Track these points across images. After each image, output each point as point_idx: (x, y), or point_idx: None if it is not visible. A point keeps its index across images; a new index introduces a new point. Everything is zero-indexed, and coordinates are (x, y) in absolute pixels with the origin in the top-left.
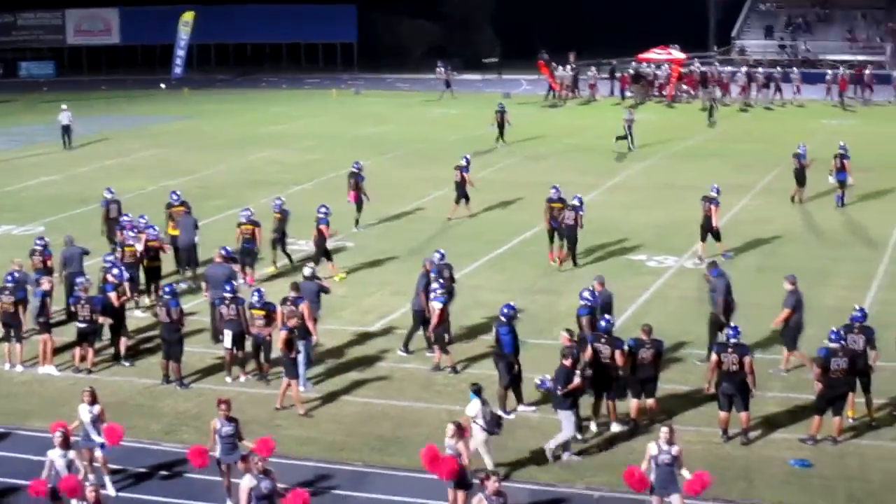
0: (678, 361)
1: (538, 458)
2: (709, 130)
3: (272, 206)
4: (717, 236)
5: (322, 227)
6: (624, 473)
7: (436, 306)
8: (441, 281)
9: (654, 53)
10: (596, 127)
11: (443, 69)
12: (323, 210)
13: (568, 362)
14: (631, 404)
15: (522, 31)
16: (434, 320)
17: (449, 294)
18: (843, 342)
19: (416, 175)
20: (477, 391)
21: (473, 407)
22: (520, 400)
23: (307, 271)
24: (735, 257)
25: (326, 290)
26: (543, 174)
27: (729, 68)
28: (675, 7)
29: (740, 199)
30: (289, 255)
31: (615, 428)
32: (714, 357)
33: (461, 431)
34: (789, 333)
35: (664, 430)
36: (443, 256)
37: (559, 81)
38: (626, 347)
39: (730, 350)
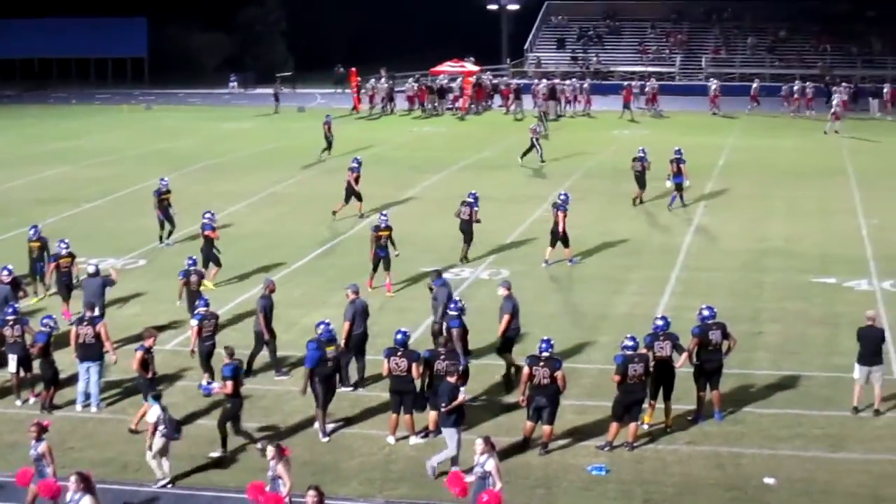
0: (474, 371)
1: (336, 472)
2: (499, 142)
3: (29, 234)
4: (565, 242)
5: (208, 232)
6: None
7: (193, 324)
8: (205, 299)
9: (448, 66)
10: (392, 139)
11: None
12: (208, 216)
13: (453, 379)
14: (430, 416)
15: (316, 45)
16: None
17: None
18: (635, 350)
19: (212, 190)
20: (156, 397)
21: (153, 413)
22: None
23: (91, 268)
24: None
25: (111, 283)
26: (339, 187)
27: (536, 81)
28: (468, 20)
29: (534, 209)
30: (46, 285)
31: (413, 441)
32: (526, 370)
33: (281, 452)
34: (508, 340)
35: (477, 442)
36: (194, 262)
37: (371, 93)
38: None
39: (541, 364)
